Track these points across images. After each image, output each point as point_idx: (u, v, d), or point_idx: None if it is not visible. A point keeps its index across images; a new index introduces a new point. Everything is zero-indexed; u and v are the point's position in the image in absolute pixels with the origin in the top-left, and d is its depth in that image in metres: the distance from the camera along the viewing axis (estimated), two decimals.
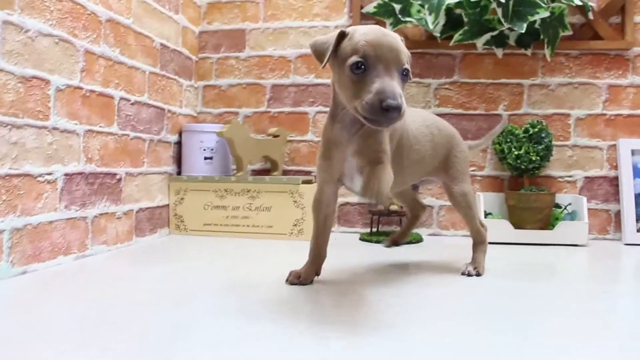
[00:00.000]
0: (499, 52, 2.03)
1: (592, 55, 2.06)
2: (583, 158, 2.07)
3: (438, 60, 2.12)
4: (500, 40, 2.01)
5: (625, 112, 2.05)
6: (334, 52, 1.01)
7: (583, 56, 2.06)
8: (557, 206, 2.02)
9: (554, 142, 2.05)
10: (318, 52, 1.02)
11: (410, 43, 2.10)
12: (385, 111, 0.89)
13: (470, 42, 1.97)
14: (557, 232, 1.90)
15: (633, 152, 2.02)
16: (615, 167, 2.05)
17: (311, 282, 1.24)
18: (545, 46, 1.99)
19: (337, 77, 1.03)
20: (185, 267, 1.45)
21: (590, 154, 2.06)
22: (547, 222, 1.94)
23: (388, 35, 0.99)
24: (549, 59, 2.00)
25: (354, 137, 1.09)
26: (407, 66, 0.99)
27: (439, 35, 2.00)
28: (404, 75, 0.98)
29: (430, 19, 1.95)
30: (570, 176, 2.07)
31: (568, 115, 2.07)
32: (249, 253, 1.67)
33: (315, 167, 1.10)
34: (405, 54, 1.00)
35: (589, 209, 2.05)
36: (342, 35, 1.01)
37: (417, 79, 2.12)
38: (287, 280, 1.24)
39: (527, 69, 2.08)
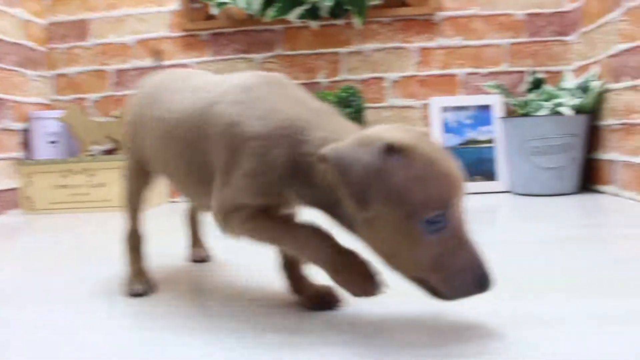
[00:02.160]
0: (314, 24, 2.18)
1: (403, 21, 2.21)
2: (399, 117, 2.23)
3: (261, 35, 2.27)
4: (313, 13, 2.15)
5: (436, 72, 2.20)
6: None
7: (394, 22, 2.22)
8: None
9: (370, 105, 2.21)
10: (353, 182, 0.60)
11: (235, 22, 2.25)
12: (476, 291, 0.62)
13: (284, 17, 2.12)
14: None
15: (444, 109, 2.18)
16: (429, 124, 2.21)
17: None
18: (355, 16, 2.14)
19: (373, 227, 0.63)
20: (15, 243, 1.61)
21: (405, 114, 2.22)
22: None
23: (451, 156, 0.65)
24: (359, 27, 2.15)
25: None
26: None
27: (257, 13, 2.15)
28: None
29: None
30: None
31: (383, 78, 2.23)
32: (80, 226, 1.84)
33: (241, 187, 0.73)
34: None
35: None
36: (389, 150, 0.61)
37: (242, 55, 2.28)
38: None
39: (343, 38, 2.23)
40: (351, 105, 2.10)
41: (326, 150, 0.61)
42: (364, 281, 0.65)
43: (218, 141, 0.73)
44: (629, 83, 1.78)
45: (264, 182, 0.70)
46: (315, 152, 0.67)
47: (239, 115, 0.72)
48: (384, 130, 0.64)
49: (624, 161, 1.82)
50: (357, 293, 0.66)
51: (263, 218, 0.72)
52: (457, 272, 0.61)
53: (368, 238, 0.64)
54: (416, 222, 0.60)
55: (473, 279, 0.61)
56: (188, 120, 0.78)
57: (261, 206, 0.72)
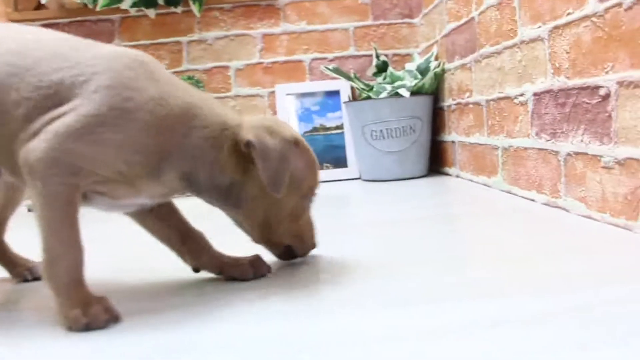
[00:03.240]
0: (151, 12, 2.08)
1: (245, 7, 2.14)
2: (246, 107, 2.15)
3: (98, 26, 2.15)
4: (148, 1, 2.05)
5: (281, 58, 2.14)
6: None
7: (236, 9, 2.14)
8: None
9: (215, 95, 2.13)
10: (273, 168, 0.71)
11: (69, 12, 2.12)
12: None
13: (117, 5, 2.01)
14: None
15: (290, 97, 2.12)
16: (276, 112, 2.15)
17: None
18: (192, 3, 2.05)
19: (275, 205, 0.77)
20: None
21: (252, 102, 2.15)
22: None
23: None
24: (197, 15, 2.06)
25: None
26: None
27: (89, 2, 2.03)
28: None
29: None
30: None
31: (227, 67, 2.15)
32: None
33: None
34: None
35: None
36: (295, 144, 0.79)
37: None
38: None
39: (183, 27, 2.14)
40: None
41: (252, 138, 0.70)
42: (93, 313, 0.62)
43: (93, 93, 0.64)
44: (459, 62, 1.76)
45: (133, 161, 0.65)
46: (212, 136, 0.70)
47: (131, 80, 0.66)
48: (275, 122, 0.76)
49: (461, 141, 1.81)
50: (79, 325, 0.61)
51: (75, 207, 0.64)
52: (310, 236, 0.83)
53: (262, 213, 0.76)
54: (304, 200, 0.80)
55: (313, 240, 0.84)
56: (54, 66, 0.67)
57: (107, 179, 0.66)
